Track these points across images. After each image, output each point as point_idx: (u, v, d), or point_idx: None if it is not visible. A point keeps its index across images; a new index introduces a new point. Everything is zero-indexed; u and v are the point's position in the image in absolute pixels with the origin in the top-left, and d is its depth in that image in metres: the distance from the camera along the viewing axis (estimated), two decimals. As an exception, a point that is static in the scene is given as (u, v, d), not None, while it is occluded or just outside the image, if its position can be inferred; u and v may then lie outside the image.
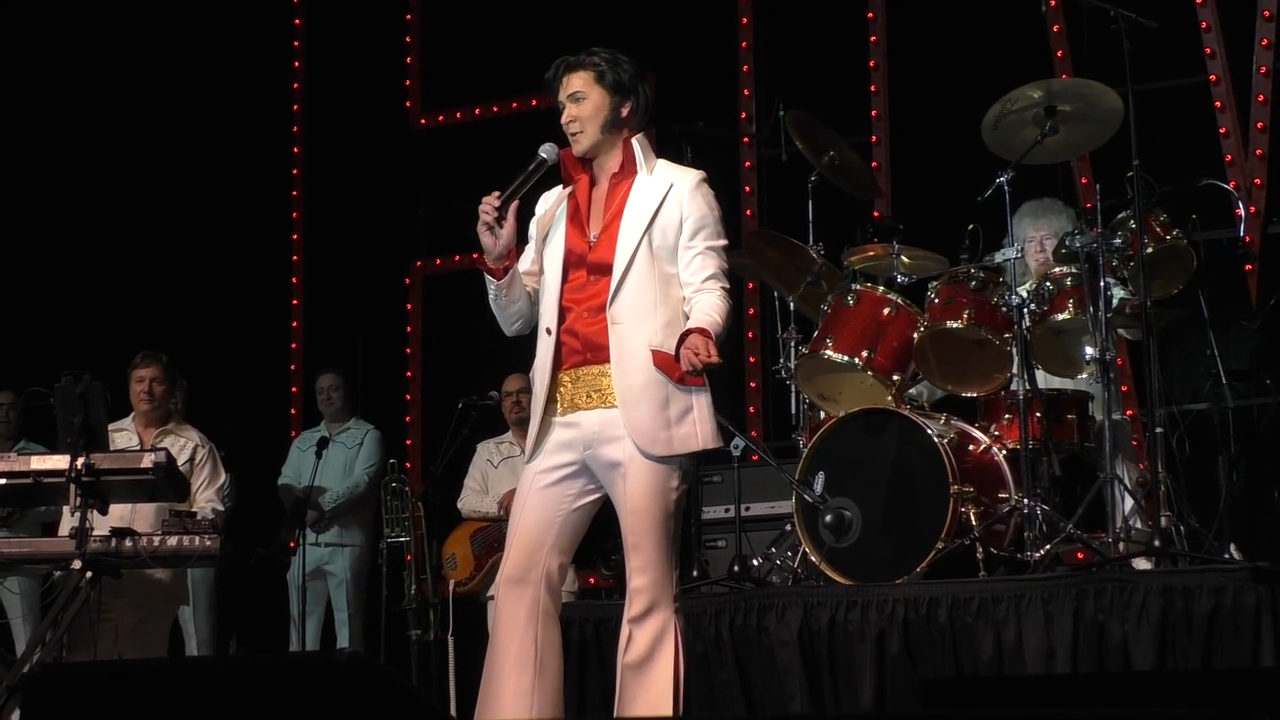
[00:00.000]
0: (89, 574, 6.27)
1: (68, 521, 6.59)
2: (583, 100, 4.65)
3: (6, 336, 9.98)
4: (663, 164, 4.74)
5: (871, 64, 9.09)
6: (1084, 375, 6.45)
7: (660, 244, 4.60)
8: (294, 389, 10.33)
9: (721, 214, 4.72)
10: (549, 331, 4.64)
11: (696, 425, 4.55)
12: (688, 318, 4.59)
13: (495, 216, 4.60)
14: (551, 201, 4.80)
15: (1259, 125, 8.06)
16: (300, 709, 3.19)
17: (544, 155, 4.70)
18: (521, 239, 4.77)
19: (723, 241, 4.69)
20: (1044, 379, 6.36)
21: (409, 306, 10.28)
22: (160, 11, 10.43)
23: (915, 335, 6.29)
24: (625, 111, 4.69)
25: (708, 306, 4.54)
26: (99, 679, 3.74)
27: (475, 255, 9.40)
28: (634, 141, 4.70)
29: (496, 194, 4.61)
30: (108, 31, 10.42)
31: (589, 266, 4.63)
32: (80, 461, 6.22)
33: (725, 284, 4.63)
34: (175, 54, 10.41)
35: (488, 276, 4.70)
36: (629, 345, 4.53)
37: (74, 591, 6.29)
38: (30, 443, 8.73)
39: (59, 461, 6.29)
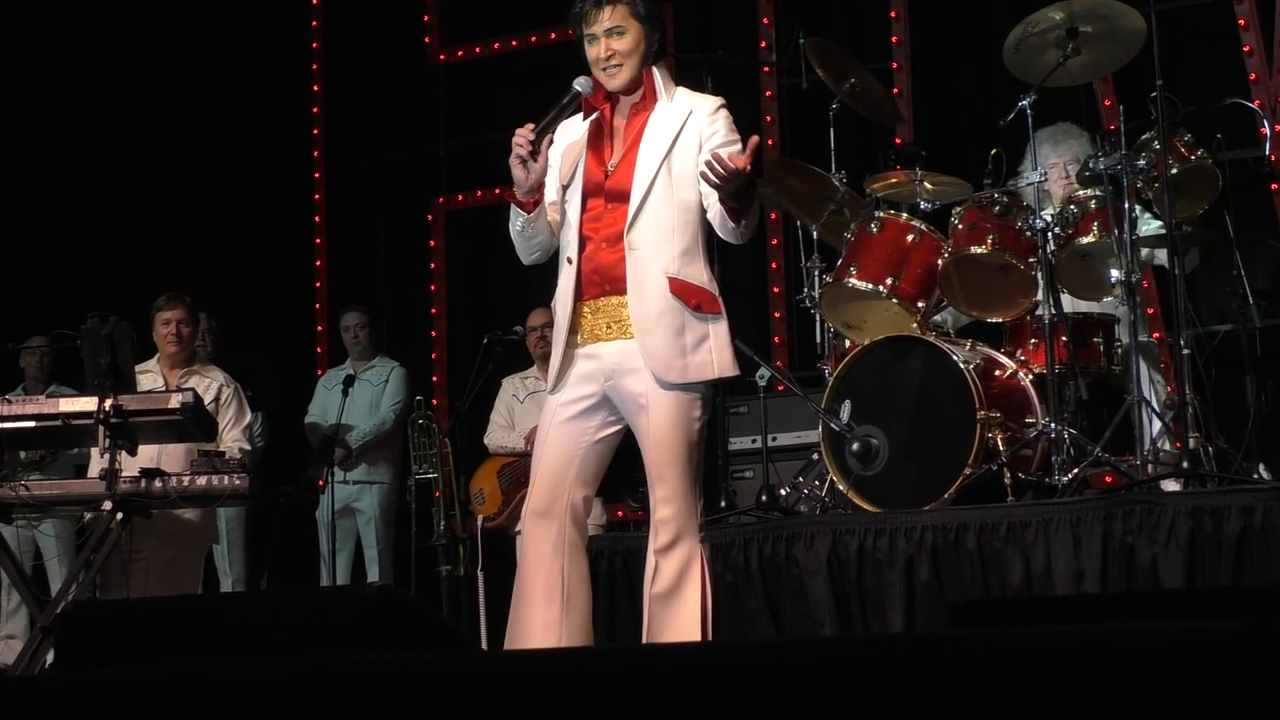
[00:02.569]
0: (119, 515, 6.30)
1: (97, 463, 6.63)
2: (623, 34, 4.59)
3: (36, 282, 10.02)
4: (682, 91, 4.71)
5: (892, -11, 9.03)
6: (1110, 298, 6.42)
7: (680, 170, 4.56)
8: (319, 328, 10.34)
9: (740, 138, 4.69)
10: (570, 261, 4.62)
11: (713, 354, 4.53)
12: (706, 249, 4.60)
13: (529, 150, 4.56)
14: (571, 132, 4.77)
15: (1283, 42, 7.99)
16: (332, 641, 3.20)
17: (578, 88, 4.64)
18: None
19: None
20: (1070, 303, 6.35)
21: (432, 243, 10.27)
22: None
23: (939, 261, 6.27)
24: (656, 43, 4.67)
25: None
26: (131, 616, 3.76)
27: (498, 190, 9.41)
28: (655, 70, 4.67)
29: (530, 126, 4.54)
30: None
31: (606, 194, 4.61)
32: (108, 403, 6.24)
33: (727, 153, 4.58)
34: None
35: (516, 209, 4.67)
36: (646, 272, 4.51)
37: (105, 532, 6.33)
38: (61, 386, 8.77)
39: (87, 403, 6.31)
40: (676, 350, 4.49)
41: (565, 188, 4.68)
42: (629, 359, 4.51)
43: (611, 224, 4.58)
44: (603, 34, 4.60)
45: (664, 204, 4.55)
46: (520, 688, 2.20)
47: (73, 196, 10.34)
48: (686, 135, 4.59)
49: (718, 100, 4.69)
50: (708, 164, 4.36)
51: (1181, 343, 5.93)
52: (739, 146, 4.59)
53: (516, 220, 4.67)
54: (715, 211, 4.54)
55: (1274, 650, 1.77)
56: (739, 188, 4.39)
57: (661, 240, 4.53)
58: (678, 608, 4.46)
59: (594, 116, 4.70)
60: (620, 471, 5.03)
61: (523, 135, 4.53)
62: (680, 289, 4.51)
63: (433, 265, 10.25)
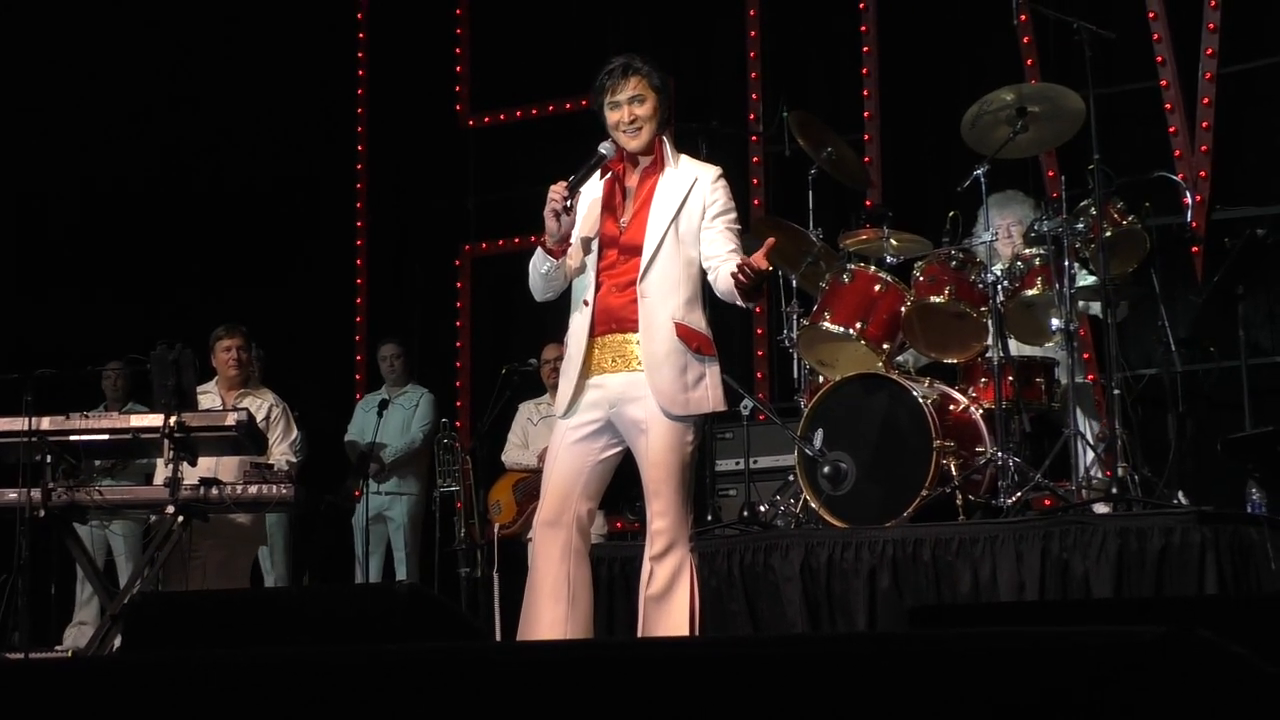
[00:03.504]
0: (181, 518, 6.31)
1: (162, 472, 6.63)
2: (643, 102, 4.60)
3: (115, 314, 10.01)
4: (686, 159, 4.71)
5: (864, 71, 9.05)
6: (1051, 344, 6.43)
7: (685, 229, 4.57)
8: (359, 357, 10.36)
9: (735, 205, 4.71)
10: (586, 303, 4.62)
11: (708, 391, 4.54)
12: (703, 298, 4.60)
13: (563, 205, 4.56)
14: (589, 190, 4.75)
15: (1204, 125, 8.00)
16: (366, 632, 3.20)
17: (603, 151, 4.64)
18: None
19: (739, 227, 4.68)
20: (1016, 347, 6.34)
21: (459, 285, 10.29)
22: (251, 35, 10.45)
23: (903, 309, 6.27)
24: (667, 112, 4.68)
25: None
26: (190, 607, 3.76)
27: (518, 239, 9.45)
28: (665, 139, 4.68)
29: (564, 183, 4.54)
30: (195, 36, 10.42)
31: (620, 247, 4.61)
32: (173, 420, 6.25)
33: (744, 257, 4.61)
34: (258, 69, 10.39)
35: (544, 253, 4.65)
36: (655, 316, 4.51)
37: (168, 533, 6.33)
38: (136, 404, 8.76)
39: (154, 419, 6.33)
40: (679, 386, 4.49)
41: (584, 239, 4.68)
42: (632, 389, 4.51)
43: (624, 273, 4.58)
44: (626, 101, 4.60)
45: (672, 258, 4.55)
46: (530, 675, 2.20)
47: (147, 240, 10.34)
48: (692, 200, 4.59)
49: (717, 170, 4.69)
50: (739, 267, 4.38)
51: (1113, 384, 5.94)
52: (734, 214, 4.63)
53: (544, 264, 4.65)
54: (726, 288, 4.54)
55: (1191, 652, 1.77)
56: (760, 283, 4.43)
57: (669, 290, 4.53)
58: (669, 608, 4.45)
59: (608, 176, 4.71)
60: (620, 488, 5.02)
61: (557, 191, 4.53)
62: (684, 333, 4.51)
63: (459, 304, 10.27)
